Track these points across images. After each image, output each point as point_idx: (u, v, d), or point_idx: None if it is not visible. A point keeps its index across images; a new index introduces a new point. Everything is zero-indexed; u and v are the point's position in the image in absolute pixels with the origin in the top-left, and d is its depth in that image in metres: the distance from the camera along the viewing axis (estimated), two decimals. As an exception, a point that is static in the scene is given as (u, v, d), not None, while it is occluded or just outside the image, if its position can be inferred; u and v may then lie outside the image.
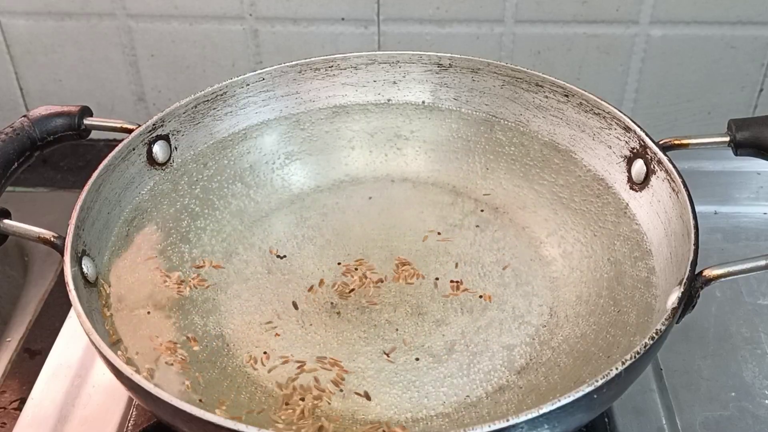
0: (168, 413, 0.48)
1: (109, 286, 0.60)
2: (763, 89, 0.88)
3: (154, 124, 0.67)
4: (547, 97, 0.70)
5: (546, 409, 0.46)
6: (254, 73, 0.71)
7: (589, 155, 0.68)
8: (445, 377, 0.57)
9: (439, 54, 0.73)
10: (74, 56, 0.91)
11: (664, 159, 0.61)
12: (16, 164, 0.62)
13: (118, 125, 0.66)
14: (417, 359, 0.58)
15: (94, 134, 0.66)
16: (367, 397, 0.56)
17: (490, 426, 0.45)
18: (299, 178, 0.72)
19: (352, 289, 0.63)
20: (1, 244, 0.59)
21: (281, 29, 0.87)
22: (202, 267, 0.64)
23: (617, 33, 0.85)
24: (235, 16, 0.87)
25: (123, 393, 0.64)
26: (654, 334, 0.49)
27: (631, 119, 0.65)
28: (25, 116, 0.63)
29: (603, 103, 0.67)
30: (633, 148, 0.65)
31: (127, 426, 0.63)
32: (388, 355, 0.59)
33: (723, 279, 0.54)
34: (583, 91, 0.68)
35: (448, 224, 0.68)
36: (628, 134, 0.65)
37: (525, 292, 0.63)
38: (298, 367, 0.58)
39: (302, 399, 0.55)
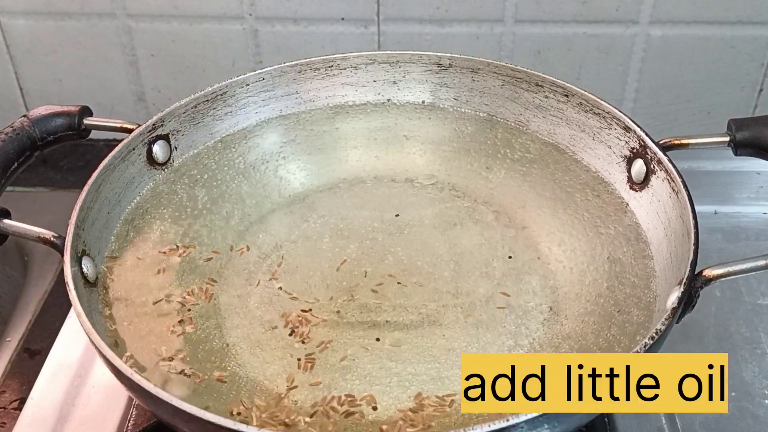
0: (168, 413, 0.48)
1: (109, 286, 0.60)
2: (763, 89, 0.88)
3: (153, 124, 0.67)
4: (547, 97, 0.70)
5: (546, 408, 0.46)
6: (254, 73, 0.71)
7: (589, 155, 0.68)
8: (446, 377, 0.57)
9: (439, 54, 0.73)
10: (74, 56, 0.91)
11: (664, 159, 0.61)
12: (16, 164, 0.62)
13: (118, 125, 0.66)
14: (417, 359, 0.58)
15: (94, 134, 0.66)
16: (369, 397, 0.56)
17: (490, 426, 0.45)
18: (299, 178, 0.72)
19: (352, 289, 0.63)
20: (1, 244, 0.59)
21: (281, 29, 0.87)
22: (201, 266, 0.64)
23: (617, 33, 0.85)
24: (235, 16, 0.87)
25: (123, 393, 0.64)
26: (654, 334, 0.49)
27: (631, 119, 0.65)
28: (25, 116, 0.63)
29: (603, 103, 0.67)
30: (633, 148, 0.65)
31: (127, 426, 0.63)
32: (387, 354, 0.59)
33: (723, 279, 0.54)
34: (583, 91, 0.68)
35: (448, 224, 0.68)
36: (628, 134, 0.65)
37: (525, 292, 0.63)
38: (300, 366, 0.58)
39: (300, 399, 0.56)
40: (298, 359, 0.58)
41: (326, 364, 0.58)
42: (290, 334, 0.60)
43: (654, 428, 0.63)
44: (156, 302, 0.61)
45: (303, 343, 0.59)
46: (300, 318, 0.61)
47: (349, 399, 0.55)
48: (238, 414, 0.54)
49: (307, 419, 0.54)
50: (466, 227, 0.68)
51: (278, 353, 0.59)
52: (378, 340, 0.60)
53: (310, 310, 0.62)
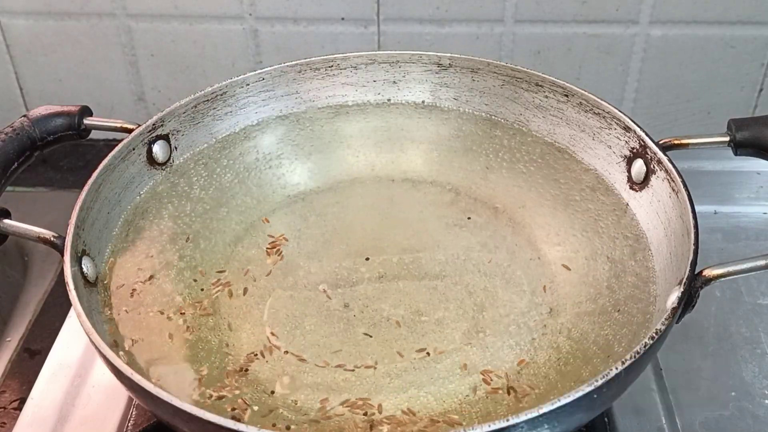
0: (168, 413, 0.48)
1: (109, 286, 0.60)
2: (763, 89, 0.88)
3: (153, 124, 0.67)
4: (547, 96, 0.70)
5: (546, 409, 0.46)
6: (254, 73, 0.71)
7: (589, 155, 0.68)
8: (446, 377, 0.57)
9: (439, 54, 0.73)
10: (74, 56, 0.91)
11: (664, 159, 0.61)
12: (16, 164, 0.62)
13: (118, 125, 0.66)
14: (417, 359, 0.58)
15: (94, 134, 0.66)
16: (368, 397, 0.56)
17: (490, 426, 0.45)
18: (299, 178, 0.72)
19: (352, 289, 0.63)
20: (1, 244, 0.59)
21: (281, 29, 0.87)
22: (201, 267, 0.64)
23: (617, 33, 0.85)
24: (235, 16, 0.87)
25: (123, 393, 0.64)
26: (654, 334, 0.49)
27: (631, 119, 0.65)
28: (25, 116, 0.63)
29: (603, 103, 0.67)
30: (633, 148, 0.65)
31: (127, 426, 0.63)
32: (387, 354, 0.59)
33: (723, 279, 0.54)
34: (583, 91, 0.68)
35: (448, 224, 0.68)
36: (628, 134, 0.65)
37: (524, 292, 0.63)
38: (299, 359, 0.58)
39: (296, 402, 0.55)
40: (296, 362, 0.58)
41: (323, 367, 0.58)
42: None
43: (654, 428, 0.63)
44: (155, 302, 0.61)
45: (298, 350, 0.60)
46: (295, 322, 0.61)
47: (346, 403, 0.55)
48: (233, 409, 0.54)
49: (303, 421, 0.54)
50: (466, 227, 0.68)
51: (277, 353, 0.59)
52: (376, 340, 0.60)
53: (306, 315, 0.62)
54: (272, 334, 0.60)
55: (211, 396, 0.55)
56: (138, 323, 0.59)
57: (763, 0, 0.82)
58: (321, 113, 0.74)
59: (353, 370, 0.57)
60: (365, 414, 0.54)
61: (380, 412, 0.55)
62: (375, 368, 0.57)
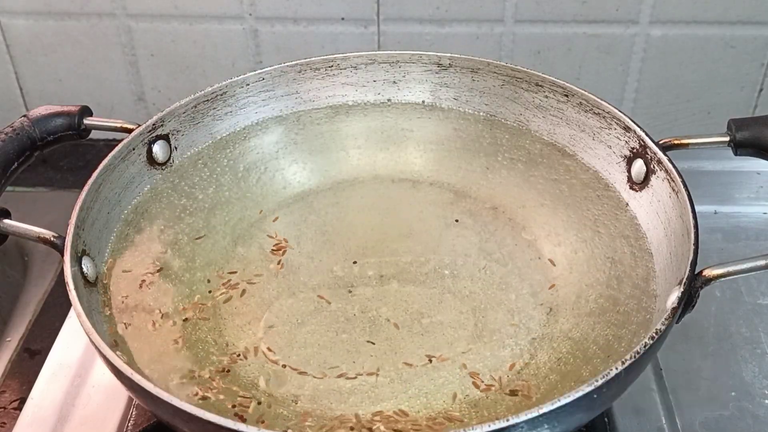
0: (168, 413, 0.48)
1: (109, 286, 0.60)
2: (763, 89, 0.88)
3: (153, 124, 0.67)
4: (547, 96, 0.70)
5: (546, 409, 0.46)
6: (254, 72, 0.71)
7: (589, 155, 0.68)
8: (447, 377, 0.57)
9: (439, 54, 0.73)
10: (74, 56, 0.91)
11: (664, 159, 0.61)
12: (16, 164, 0.62)
13: (118, 125, 0.66)
14: (418, 362, 0.58)
15: (94, 134, 0.66)
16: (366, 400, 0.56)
17: (490, 426, 0.45)
18: (299, 178, 0.72)
19: (352, 289, 0.63)
20: (1, 244, 0.59)
21: (281, 29, 0.87)
22: (201, 267, 0.64)
23: (617, 33, 0.85)
24: (235, 16, 0.87)
25: (123, 393, 0.64)
26: (654, 334, 0.49)
27: (631, 119, 0.65)
28: (25, 116, 0.63)
29: (603, 102, 0.67)
30: (633, 148, 0.65)
31: (127, 426, 0.63)
32: (385, 350, 0.59)
33: (723, 279, 0.54)
34: (583, 91, 0.68)
35: (448, 224, 0.68)
36: (628, 134, 0.65)
37: (524, 292, 0.63)
38: (298, 373, 0.58)
39: (295, 402, 0.55)
40: (295, 373, 0.58)
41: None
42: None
43: (654, 428, 0.63)
44: (155, 302, 0.61)
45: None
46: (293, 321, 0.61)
47: (342, 416, 0.55)
48: (233, 407, 0.54)
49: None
50: (466, 227, 0.68)
51: (276, 353, 0.59)
52: (373, 341, 0.60)
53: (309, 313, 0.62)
54: (268, 349, 0.59)
55: (197, 394, 0.55)
56: (138, 323, 0.59)
57: (763, 0, 0.82)
58: (321, 113, 0.74)
59: (355, 378, 0.57)
60: (362, 416, 0.54)
61: (378, 415, 0.54)
62: (377, 375, 0.57)
